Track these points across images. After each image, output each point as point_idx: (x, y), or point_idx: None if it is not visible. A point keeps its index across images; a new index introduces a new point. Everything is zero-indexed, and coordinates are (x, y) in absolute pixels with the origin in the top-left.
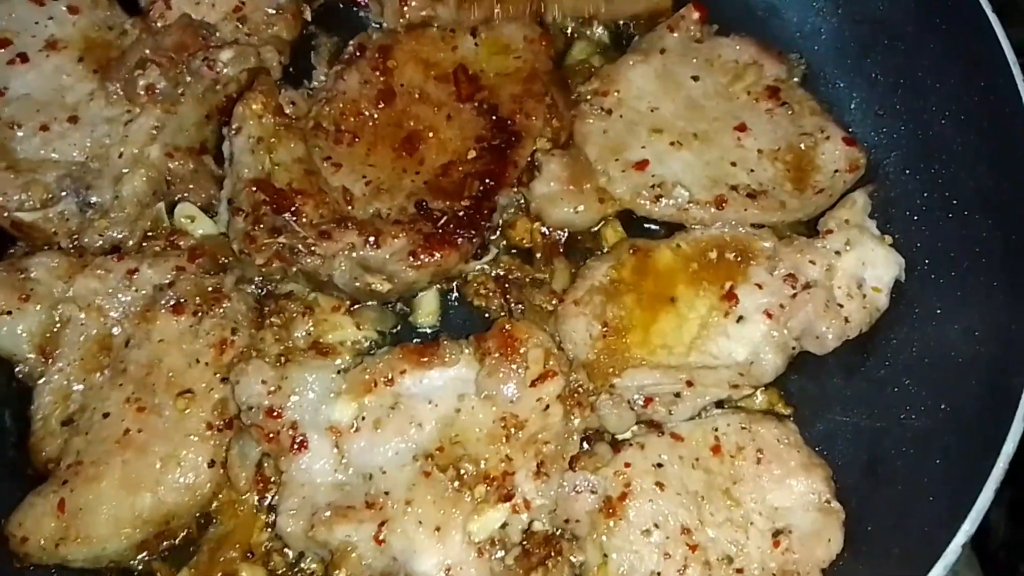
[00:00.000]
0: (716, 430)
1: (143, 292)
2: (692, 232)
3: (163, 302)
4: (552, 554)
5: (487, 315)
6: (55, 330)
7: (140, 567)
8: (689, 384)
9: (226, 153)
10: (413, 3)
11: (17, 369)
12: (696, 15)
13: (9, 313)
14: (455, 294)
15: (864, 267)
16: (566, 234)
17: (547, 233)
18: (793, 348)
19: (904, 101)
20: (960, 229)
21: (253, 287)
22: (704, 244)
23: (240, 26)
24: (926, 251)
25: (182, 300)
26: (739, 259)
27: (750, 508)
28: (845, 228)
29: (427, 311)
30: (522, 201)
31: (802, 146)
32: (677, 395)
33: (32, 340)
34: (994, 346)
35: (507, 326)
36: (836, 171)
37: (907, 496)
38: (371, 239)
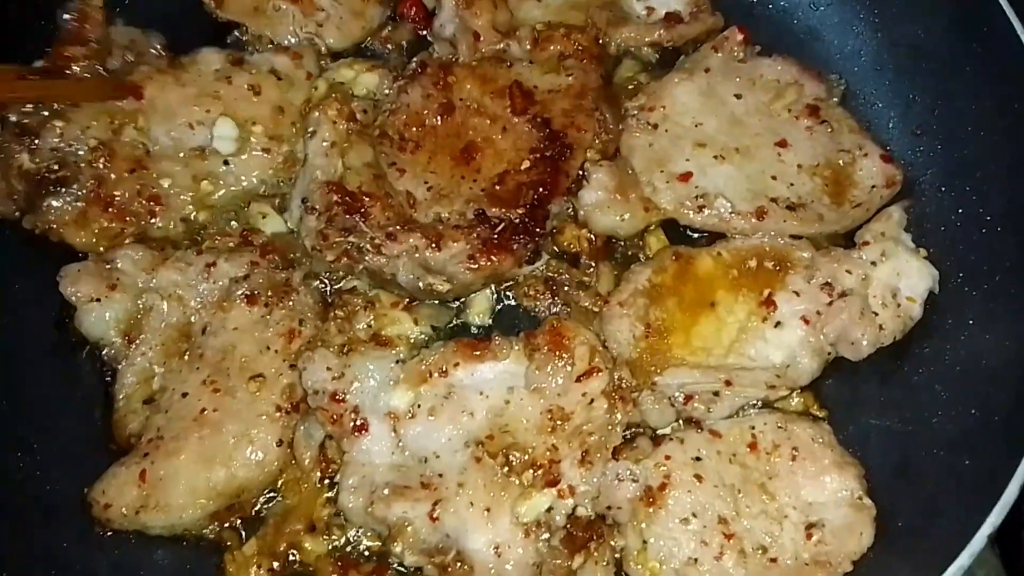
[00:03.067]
0: (753, 428)
1: (219, 284)
2: (732, 241)
3: (238, 293)
4: (594, 538)
5: (535, 315)
6: (138, 317)
7: (212, 536)
8: (728, 384)
9: (299, 156)
10: (486, 38)
11: (104, 352)
12: (740, 36)
13: (98, 300)
14: (507, 294)
15: (899, 278)
16: (612, 240)
17: (593, 239)
18: (829, 353)
19: (940, 121)
20: (992, 245)
21: (319, 282)
22: (744, 253)
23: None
24: (959, 265)
25: (255, 292)
26: (777, 268)
27: (784, 502)
28: (881, 240)
29: (480, 310)
30: (571, 209)
31: (840, 162)
32: (716, 394)
33: (118, 326)
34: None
35: (555, 324)
36: (873, 186)
37: (937, 495)
38: (433, 242)
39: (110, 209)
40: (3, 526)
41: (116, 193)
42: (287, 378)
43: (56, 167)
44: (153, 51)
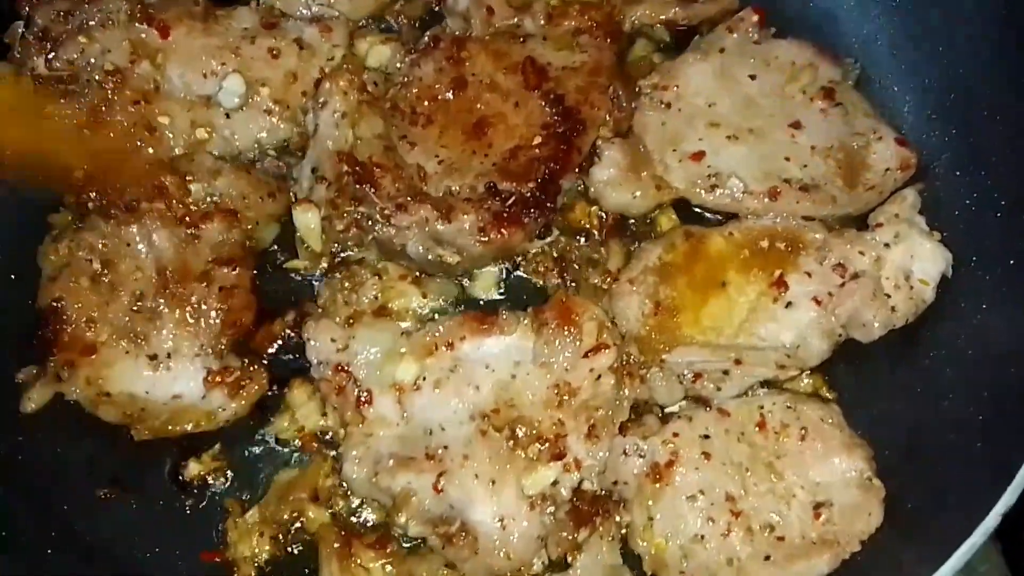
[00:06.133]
0: (762, 408)
1: None
2: (744, 221)
3: None
4: (600, 513)
5: (543, 291)
6: None
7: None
8: (737, 362)
9: (310, 126)
10: (500, 13)
11: None
12: (755, 17)
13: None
14: (515, 270)
15: (912, 260)
16: (623, 219)
17: (604, 217)
18: (839, 335)
19: (955, 106)
20: (1007, 229)
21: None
22: (756, 233)
23: None
24: (973, 249)
25: None
26: (789, 248)
27: (792, 482)
28: (895, 222)
29: (487, 284)
30: (582, 186)
31: (855, 145)
32: (725, 372)
33: None
34: None
35: (564, 299)
36: (887, 170)
37: (947, 477)
38: (443, 214)
39: (107, 132)
40: (12, 488)
41: (117, 119)
42: None
43: (67, 79)
44: None
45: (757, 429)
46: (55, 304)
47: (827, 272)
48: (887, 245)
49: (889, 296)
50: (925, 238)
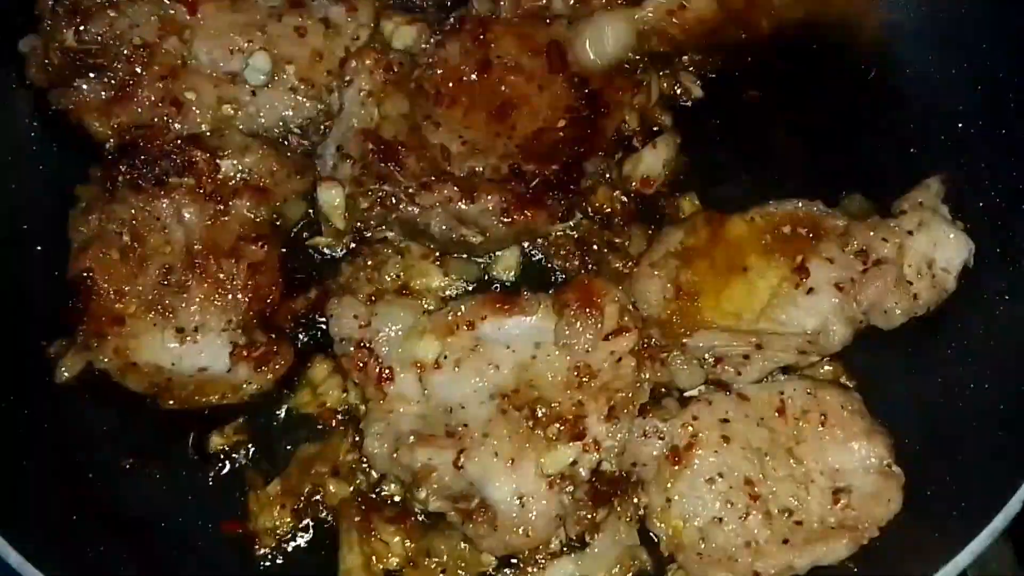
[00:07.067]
0: (782, 393)
1: None
2: (767, 206)
3: None
4: (618, 493)
5: (564, 274)
6: None
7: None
8: (758, 347)
9: (335, 104)
10: None
11: None
12: None
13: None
14: (536, 252)
15: (935, 248)
16: (645, 203)
17: (626, 202)
18: (861, 322)
19: (983, 98)
20: None
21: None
22: (778, 218)
23: None
24: (996, 240)
25: None
26: (811, 234)
27: (812, 467)
28: (919, 210)
29: (507, 265)
30: (605, 170)
31: None
32: (746, 357)
33: None
34: None
35: (586, 281)
36: None
37: (967, 465)
38: (467, 195)
39: (134, 106)
40: (39, 457)
41: (144, 94)
42: None
43: (96, 53)
44: None
45: (777, 414)
46: (84, 275)
47: (849, 258)
48: (910, 233)
49: (911, 284)
50: (949, 227)
